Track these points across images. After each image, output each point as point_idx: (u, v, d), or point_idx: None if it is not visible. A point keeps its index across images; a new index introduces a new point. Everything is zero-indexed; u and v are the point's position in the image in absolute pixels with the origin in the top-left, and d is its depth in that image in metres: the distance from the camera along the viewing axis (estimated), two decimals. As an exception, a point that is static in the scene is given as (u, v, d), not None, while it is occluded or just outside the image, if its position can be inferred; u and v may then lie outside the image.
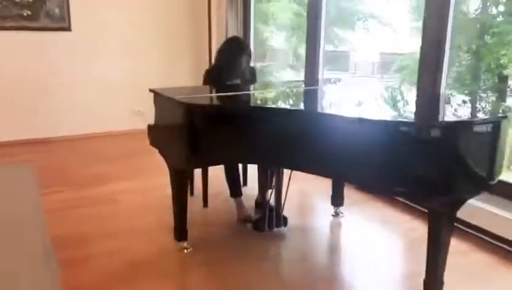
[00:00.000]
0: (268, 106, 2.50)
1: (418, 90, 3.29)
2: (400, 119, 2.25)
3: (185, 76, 5.38)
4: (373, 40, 5.83)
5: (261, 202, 3.02)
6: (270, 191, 2.90)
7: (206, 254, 2.70)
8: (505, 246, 2.73)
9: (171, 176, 2.63)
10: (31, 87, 4.98)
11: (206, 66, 5.53)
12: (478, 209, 2.83)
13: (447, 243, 2.09)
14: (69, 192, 3.66)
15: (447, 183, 1.97)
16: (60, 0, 4.95)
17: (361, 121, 2.02)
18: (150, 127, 2.85)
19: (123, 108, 5.29)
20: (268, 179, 2.87)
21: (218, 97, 2.80)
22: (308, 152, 2.06)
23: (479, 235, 2.88)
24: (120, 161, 4.52)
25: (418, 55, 3.31)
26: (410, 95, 3.17)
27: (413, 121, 2.11)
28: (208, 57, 5.31)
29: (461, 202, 2.07)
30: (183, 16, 5.60)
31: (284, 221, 2.96)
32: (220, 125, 2.29)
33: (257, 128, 2.22)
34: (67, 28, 5.04)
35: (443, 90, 3.17)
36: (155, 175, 3.70)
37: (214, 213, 3.30)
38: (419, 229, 2.99)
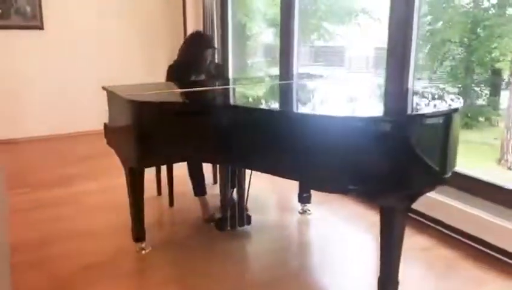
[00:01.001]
0: (215, 103, 2.41)
1: (386, 82, 3.22)
2: (349, 114, 2.19)
3: (160, 72, 5.31)
4: (365, 34, 5.79)
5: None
6: (232, 189, 2.84)
7: (166, 254, 2.64)
8: (466, 241, 2.69)
9: (126, 176, 2.57)
10: (1, 87, 4.89)
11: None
12: (440, 203, 2.79)
13: (401, 240, 2.03)
14: (33, 193, 3.59)
15: (399, 178, 1.91)
16: (30, -2, 4.86)
17: (309, 116, 1.96)
18: (105, 125, 2.78)
19: (96, 107, 5.18)
20: (229, 177, 2.80)
21: (171, 94, 2.72)
22: (258, 150, 1.99)
23: (442, 229, 2.84)
24: (88, 160, 4.43)
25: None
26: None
27: (361, 116, 2.04)
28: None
29: (414, 197, 2.02)
30: (158, 11, 5.52)
31: (247, 220, 2.89)
32: (169, 123, 2.22)
33: (206, 125, 2.16)
34: (40, 27, 4.96)
35: (411, 81, 3.11)
36: (120, 175, 3.64)
37: (179, 213, 3.24)
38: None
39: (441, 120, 1.95)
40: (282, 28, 4.40)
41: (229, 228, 2.84)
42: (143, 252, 2.64)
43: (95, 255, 2.62)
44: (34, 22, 4.92)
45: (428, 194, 2.81)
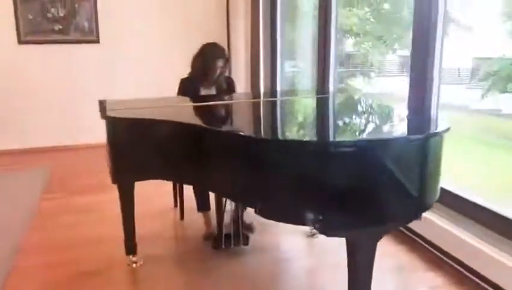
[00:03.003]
0: (183, 122, 2.32)
1: (408, 98, 2.94)
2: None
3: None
4: (456, 45, 5.41)
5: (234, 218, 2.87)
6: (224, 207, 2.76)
7: (157, 268, 2.64)
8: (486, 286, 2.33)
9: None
10: (61, 97, 5.27)
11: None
12: (461, 240, 2.46)
13: (369, 280, 1.82)
14: (64, 198, 3.78)
15: (367, 211, 1.72)
16: (88, 15, 5.21)
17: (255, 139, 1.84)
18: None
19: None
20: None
21: (160, 109, 2.67)
22: (210, 171, 1.91)
23: (460, 268, 2.51)
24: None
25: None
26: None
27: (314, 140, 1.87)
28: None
29: (383, 232, 1.80)
30: (205, 27, 5.54)
31: (244, 240, 2.79)
32: (138, 139, 2.22)
33: (177, 145, 2.12)
34: (96, 41, 5.28)
35: (435, 96, 2.80)
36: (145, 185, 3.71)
37: (186, 227, 3.23)
38: (399, 254, 2.68)
39: (414, 146, 1.72)
40: (319, 37, 4.22)
41: (223, 247, 2.75)
42: (134, 265, 2.65)
43: (93, 264, 2.68)
44: (91, 36, 5.26)
45: (450, 228, 2.53)
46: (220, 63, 3.00)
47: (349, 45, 6.69)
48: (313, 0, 5.33)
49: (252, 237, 2.90)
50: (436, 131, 1.75)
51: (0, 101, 5.10)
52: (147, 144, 2.19)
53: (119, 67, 5.42)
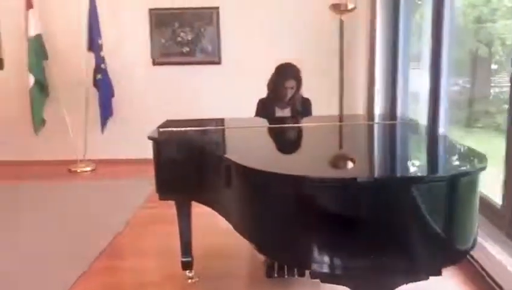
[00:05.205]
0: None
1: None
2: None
3: (328, 108, 5.19)
4: None
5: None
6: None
7: (206, 287, 2.64)
8: None
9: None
10: (182, 112, 5.61)
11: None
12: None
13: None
14: (162, 208, 3.92)
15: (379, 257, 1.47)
16: (212, 38, 5.56)
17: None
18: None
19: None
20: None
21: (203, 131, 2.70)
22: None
23: None
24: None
25: None
26: None
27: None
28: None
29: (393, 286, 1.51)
30: (329, 54, 5.41)
31: (299, 271, 2.61)
32: (180, 160, 2.27)
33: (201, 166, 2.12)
34: (218, 62, 5.60)
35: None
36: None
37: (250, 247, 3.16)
38: None
39: (441, 186, 1.41)
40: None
41: (275, 276, 2.61)
42: (189, 281, 2.69)
43: (155, 275, 2.81)
44: (213, 58, 5.60)
45: None
46: (289, 83, 2.94)
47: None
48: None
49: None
50: (467, 171, 1.41)
51: (131, 115, 5.71)
52: (187, 167, 2.23)
53: (237, 88, 5.63)
